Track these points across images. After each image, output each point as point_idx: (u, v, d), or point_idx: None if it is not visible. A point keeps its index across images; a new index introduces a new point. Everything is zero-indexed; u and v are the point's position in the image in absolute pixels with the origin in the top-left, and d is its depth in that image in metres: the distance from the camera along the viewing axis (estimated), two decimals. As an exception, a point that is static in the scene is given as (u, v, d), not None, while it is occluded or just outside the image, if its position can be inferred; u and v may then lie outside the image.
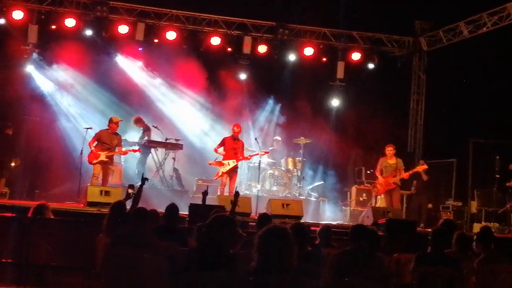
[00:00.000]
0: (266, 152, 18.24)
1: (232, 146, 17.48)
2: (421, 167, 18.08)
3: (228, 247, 6.15)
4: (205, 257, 6.05)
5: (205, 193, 11.81)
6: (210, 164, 17.83)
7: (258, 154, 17.98)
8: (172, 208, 9.74)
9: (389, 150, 17.65)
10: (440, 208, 19.83)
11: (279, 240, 5.52)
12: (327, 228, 9.78)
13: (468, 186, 19.75)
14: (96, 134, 16.75)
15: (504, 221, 18.46)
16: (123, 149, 17.31)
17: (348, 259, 7.71)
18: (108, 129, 16.87)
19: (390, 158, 17.59)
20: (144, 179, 10.81)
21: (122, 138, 17.58)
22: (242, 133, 20.52)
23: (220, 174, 17.28)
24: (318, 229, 9.77)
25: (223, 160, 17.37)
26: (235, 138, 17.64)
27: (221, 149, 17.51)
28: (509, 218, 18.23)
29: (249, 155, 18.16)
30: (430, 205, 19.56)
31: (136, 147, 18.37)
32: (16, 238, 10.76)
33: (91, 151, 16.49)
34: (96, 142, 16.58)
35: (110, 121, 16.93)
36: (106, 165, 16.67)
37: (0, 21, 19.16)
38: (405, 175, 17.55)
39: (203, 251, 6.15)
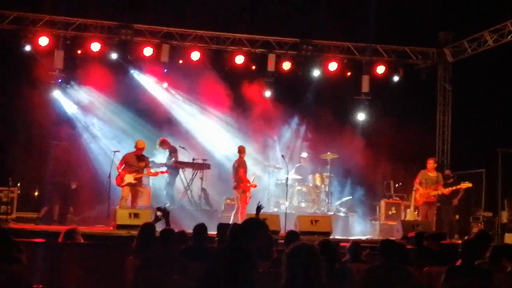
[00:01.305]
0: (254, 186, 17.59)
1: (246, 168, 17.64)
2: (465, 185, 17.95)
3: (253, 246, 6.29)
4: (228, 254, 6.20)
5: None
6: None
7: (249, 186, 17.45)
8: (200, 228, 9.71)
9: (431, 163, 17.87)
10: (471, 219, 19.67)
11: (306, 257, 5.51)
12: (356, 244, 9.75)
13: (498, 196, 19.55)
14: (123, 157, 16.88)
15: (537, 230, 18.33)
16: (152, 170, 17.40)
17: (378, 274, 7.73)
18: (134, 151, 17.00)
19: (431, 171, 17.78)
20: (164, 211, 10.65)
21: (150, 159, 17.72)
22: (269, 149, 20.73)
23: (249, 197, 17.23)
24: (348, 244, 9.75)
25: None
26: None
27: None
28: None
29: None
30: (456, 216, 19.34)
31: (164, 169, 18.44)
32: (47, 264, 10.82)
33: (119, 174, 16.61)
34: (123, 165, 16.71)
35: (136, 144, 17.08)
36: (135, 187, 16.77)
37: (26, 48, 19.38)
38: (446, 191, 17.64)
39: (228, 249, 6.29)
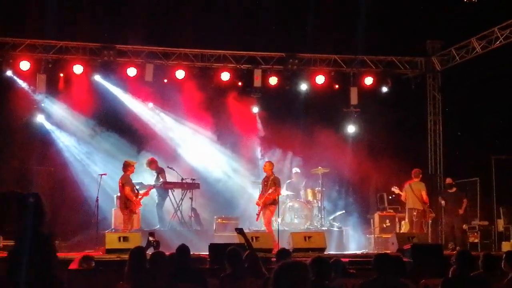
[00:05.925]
0: None
1: None
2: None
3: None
4: None
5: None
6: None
7: None
8: (183, 250, 9.34)
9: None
10: (467, 228, 19.36)
11: (292, 276, 5.21)
12: (337, 260, 9.45)
13: (493, 204, 19.32)
14: (128, 181, 16.55)
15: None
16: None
17: (373, 288, 7.50)
18: (129, 172, 16.72)
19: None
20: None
21: (138, 181, 17.57)
22: (259, 166, 20.63)
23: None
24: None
25: None
26: None
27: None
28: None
29: None
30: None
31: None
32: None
33: (137, 201, 16.42)
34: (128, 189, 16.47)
35: (129, 164, 16.84)
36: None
37: (7, 73, 19.14)
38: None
39: None
